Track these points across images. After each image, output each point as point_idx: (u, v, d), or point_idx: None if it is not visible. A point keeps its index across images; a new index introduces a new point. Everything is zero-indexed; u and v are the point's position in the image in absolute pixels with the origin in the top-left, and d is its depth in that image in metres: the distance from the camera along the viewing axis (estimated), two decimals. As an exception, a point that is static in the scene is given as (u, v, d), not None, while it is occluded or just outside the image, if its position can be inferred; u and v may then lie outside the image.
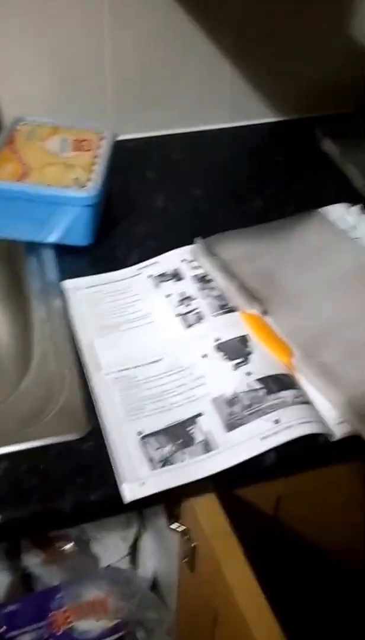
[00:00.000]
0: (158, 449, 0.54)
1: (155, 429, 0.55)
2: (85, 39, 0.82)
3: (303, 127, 0.96)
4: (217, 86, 0.91)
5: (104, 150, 0.75)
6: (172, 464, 0.53)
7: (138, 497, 0.51)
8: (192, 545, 0.57)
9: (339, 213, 0.76)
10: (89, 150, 0.75)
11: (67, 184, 0.69)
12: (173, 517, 0.60)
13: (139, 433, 0.55)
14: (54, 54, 0.83)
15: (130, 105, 0.89)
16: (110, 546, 0.81)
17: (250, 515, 0.61)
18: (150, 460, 0.53)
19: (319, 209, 0.77)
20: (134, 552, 0.82)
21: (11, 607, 0.74)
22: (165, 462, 0.53)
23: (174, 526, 0.60)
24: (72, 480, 0.52)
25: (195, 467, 0.53)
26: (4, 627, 0.73)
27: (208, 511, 0.55)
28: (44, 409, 0.57)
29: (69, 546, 0.79)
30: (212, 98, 0.92)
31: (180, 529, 0.60)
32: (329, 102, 0.98)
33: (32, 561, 0.79)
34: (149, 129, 0.92)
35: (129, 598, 0.75)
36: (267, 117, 0.97)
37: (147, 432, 0.55)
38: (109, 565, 0.80)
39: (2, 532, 0.51)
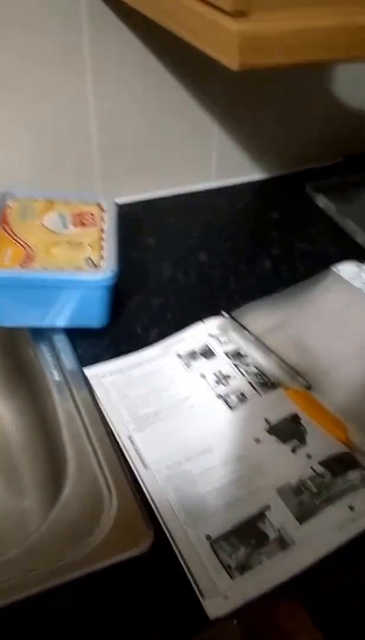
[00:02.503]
0: (232, 553, 0.49)
1: (224, 531, 0.51)
2: (69, 107, 0.79)
3: (291, 182, 0.96)
4: (204, 147, 0.89)
5: (109, 225, 0.70)
6: (250, 568, 0.48)
7: (223, 613, 0.46)
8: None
9: (351, 271, 0.75)
10: (92, 225, 0.70)
11: (79, 265, 0.64)
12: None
13: (208, 537, 0.50)
14: (37, 125, 0.79)
15: (117, 170, 0.86)
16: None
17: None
18: (228, 567, 0.48)
19: (332, 268, 0.75)
20: None
21: None
22: (243, 567, 0.48)
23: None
24: (146, 605, 0.46)
25: (276, 569, 0.49)
26: None
27: (289, 611, 0.51)
28: (96, 521, 0.51)
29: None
30: (199, 158, 0.90)
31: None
32: (313, 156, 0.98)
33: None
34: (137, 193, 0.89)
35: None
36: (254, 175, 0.96)
37: (215, 535, 0.50)
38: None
39: None
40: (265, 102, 0.90)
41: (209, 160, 0.91)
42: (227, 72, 0.82)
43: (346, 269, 0.75)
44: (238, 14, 0.43)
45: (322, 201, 0.88)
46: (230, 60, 0.44)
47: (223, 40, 0.44)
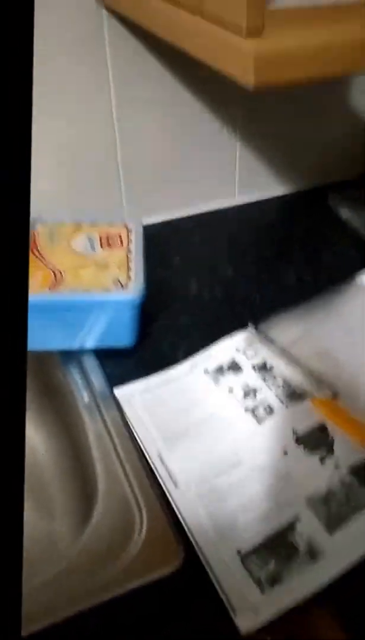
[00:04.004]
0: (262, 566, 0.49)
1: (255, 544, 0.51)
2: (95, 131, 0.81)
3: (312, 197, 0.96)
4: (225, 165, 0.91)
5: (135, 245, 0.72)
6: (281, 581, 0.48)
7: (255, 628, 0.46)
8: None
9: (375, 280, 0.75)
10: (119, 246, 0.72)
11: (107, 286, 0.66)
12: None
13: (238, 552, 0.50)
14: (62, 149, 0.81)
15: (142, 191, 0.88)
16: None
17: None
18: (258, 582, 0.49)
19: (356, 278, 0.75)
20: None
21: None
22: (274, 581, 0.49)
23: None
24: (179, 623, 0.47)
25: (307, 580, 0.49)
26: None
27: (322, 622, 0.51)
28: (127, 541, 0.51)
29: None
30: (221, 177, 0.92)
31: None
32: (335, 170, 0.98)
33: None
34: (162, 212, 0.91)
35: None
36: (275, 191, 0.97)
37: (246, 549, 0.51)
38: None
39: None
40: (286, 117, 0.91)
41: (232, 178, 0.93)
42: (247, 90, 0.84)
43: (370, 279, 0.75)
44: (252, 33, 0.43)
45: (345, 213, 0.88)
46: (246, 79, 0.44)
47: (238, 60, 0.44)
